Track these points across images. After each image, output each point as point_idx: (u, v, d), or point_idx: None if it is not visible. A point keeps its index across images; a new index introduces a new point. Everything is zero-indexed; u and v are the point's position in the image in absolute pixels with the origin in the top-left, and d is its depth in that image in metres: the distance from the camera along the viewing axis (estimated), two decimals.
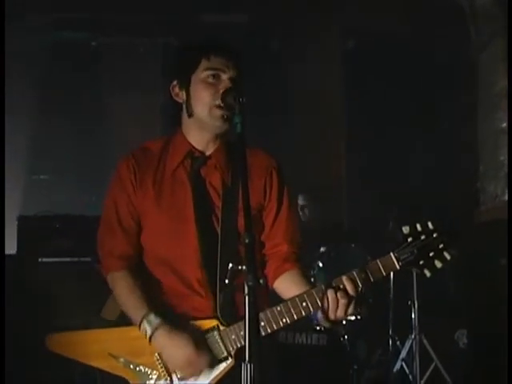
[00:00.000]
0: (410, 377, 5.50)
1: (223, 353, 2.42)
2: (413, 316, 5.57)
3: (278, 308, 2.38)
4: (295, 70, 7.16)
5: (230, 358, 2.42)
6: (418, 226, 2.27)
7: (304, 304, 2.35)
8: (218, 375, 2.42)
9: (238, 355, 2.36)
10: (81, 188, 6.39)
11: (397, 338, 5.82)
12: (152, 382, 2.43)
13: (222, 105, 2.45)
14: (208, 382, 2.41)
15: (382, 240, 5.97)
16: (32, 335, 4.53)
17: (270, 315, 2.38)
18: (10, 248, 5.04)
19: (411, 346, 5.53)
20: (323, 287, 2.35)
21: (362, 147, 7.07)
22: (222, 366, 2.42)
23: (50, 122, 6.61)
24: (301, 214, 6.31)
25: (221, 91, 2.46)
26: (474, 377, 5.27)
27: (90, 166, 6.50)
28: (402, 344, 5.67)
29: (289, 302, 2.37)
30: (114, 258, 2.55)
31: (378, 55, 6.99)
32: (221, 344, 2.42)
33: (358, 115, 7.10)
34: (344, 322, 5.41)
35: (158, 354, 2.44)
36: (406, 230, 2.26)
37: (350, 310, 2.32)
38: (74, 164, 6.54)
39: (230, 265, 2.18)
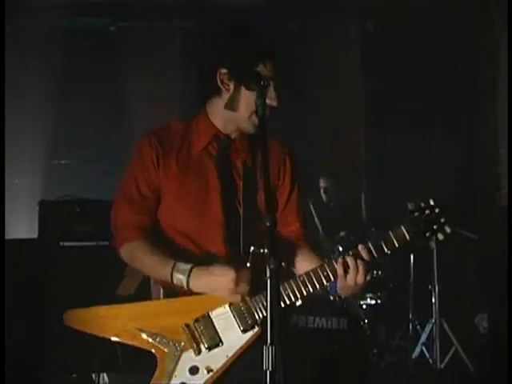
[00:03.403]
0: (430, 361, 5.51)
1: (249, 322, 2.46)
2: (433, 300, 5.56)
3: (301, 278, 2.45)
4: (314, 52, 7.11)
5: (256, 327, 2.46)
6: (422, 203, 2.45)
7: (325, 273, 2.44)
8: (244, 344, 2.45)
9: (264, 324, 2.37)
10: (102, 172, 6.41)
11: (417, 323, 5.82)
12: (178, 353, 2.45)
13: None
14: (235, 351, 2.44)
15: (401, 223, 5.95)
16: (54, 318, 4.59)
17: (293, 284, 2.44)
18: (32, 232, 5.09)
19: (431, 331, 5.53)
20: (341, 257, 2.44)
21: (381, 130, 7.02)
22: (249, 335, 2.46)
23: (70, 107, 6.63)
24: (323, 196, 6.32)
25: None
26: (494, 361, 5.25)
27: (111, 151, 6.52)
28: (422, 328, 5.67)
29: (311, 272, 2.45)
30: (130, 228, 2.60)
31: (398, 37, 6.93)
32: (246, 314, 2.46)
33: (378, 97, 7.05)
34: (364, 307, 5.44)
35: (185, 325, 2.46)
36: (411, 206, 2.45)
37: (368, 276, 2.44)
38: (95, 149, 6.56)
39: (252, 248, 2.30)
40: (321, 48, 7.12)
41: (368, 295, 5.49)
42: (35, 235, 4.93)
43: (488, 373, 5.20)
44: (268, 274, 2.00)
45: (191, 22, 7.02)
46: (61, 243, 4.92)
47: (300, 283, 2.44)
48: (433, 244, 2.43)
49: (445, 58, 6.96)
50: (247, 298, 2.47)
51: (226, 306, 2.48)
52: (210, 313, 2.47)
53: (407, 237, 2.43)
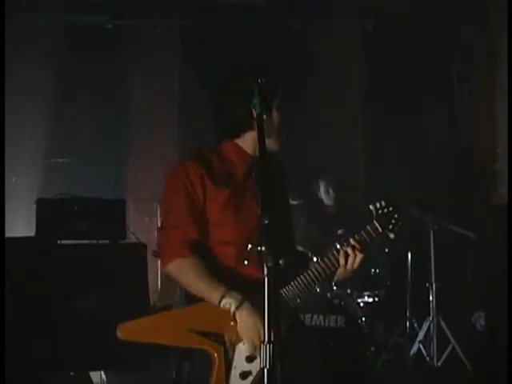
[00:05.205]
0: (428, 359, 5.52)
1: None
2: (430, 298, 5.57)
3: (312, 269, 2.79)
4: (314, 52, 7.11)
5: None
6: (377, 204, 2.88)
7: (331, 262, 2.83)
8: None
9: None
10: (99, 171, 6.42)
11: (414, 320, 5.82)
12: (232, 347, 2.60)
13: None
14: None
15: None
16: (52, 316, 4.59)
17: (306, 276, 2.77)
18: (30, 231, 5.09)
19: (429, 328, 5.54)
20: (341, 250, 2.84)
21: (381, 129, 7.01)
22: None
23: (68, 106, 6.63)
24: (321, 195, 6.31)
25: None
26: (491, 359, 5.27)
27: (109, 149, 6.53)
28: (420, 326, 5.68)
29: (320, 262, 2.82)
30: (182, 244, 2.69)
31: (397, 36, 6.94)
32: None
33: (378, 96, 7.05)
34: (362, 305, 5.45)
35: (235, 322, 2.61)
36: (372, 206, 2.89)
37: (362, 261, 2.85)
38: (93, 147, 6.56)
39: (249, 246, 2.31)
40: (321, 47, 7.12)
41: (366, 293, 5.50)
42: (33, 233, 4.93)
43: (485, 370, 5.21)
44: (265, 272, 2.01)
45: (191, 21, 7.02)
46: (58, 241, 4.92)
47: (312, 274, 2.77)
48: (392, 235, 2.93)
49: (444, 56, 6.96)
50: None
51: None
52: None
53: (380, 229, 2.85)
